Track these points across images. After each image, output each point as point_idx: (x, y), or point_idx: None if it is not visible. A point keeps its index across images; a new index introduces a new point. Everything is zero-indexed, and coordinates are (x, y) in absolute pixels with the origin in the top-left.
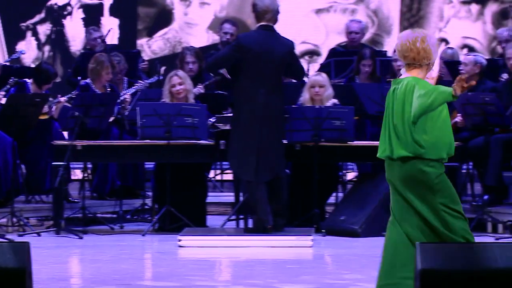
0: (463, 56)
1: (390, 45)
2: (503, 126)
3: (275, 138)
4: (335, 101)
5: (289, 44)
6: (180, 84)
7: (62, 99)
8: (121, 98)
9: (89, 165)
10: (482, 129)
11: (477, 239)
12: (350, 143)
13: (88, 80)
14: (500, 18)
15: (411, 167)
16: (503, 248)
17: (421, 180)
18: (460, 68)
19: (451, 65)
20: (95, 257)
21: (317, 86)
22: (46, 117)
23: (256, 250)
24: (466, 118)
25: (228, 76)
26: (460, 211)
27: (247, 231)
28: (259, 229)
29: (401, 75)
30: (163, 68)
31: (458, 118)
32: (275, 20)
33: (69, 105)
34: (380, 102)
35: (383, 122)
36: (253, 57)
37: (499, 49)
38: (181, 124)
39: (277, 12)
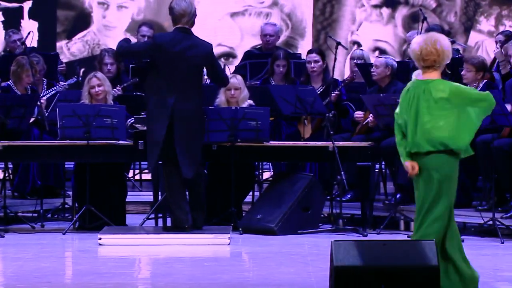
0: (373, 58)
1: (304, 48)
2: None
3: (191, 138)
4: (251, 102)
5: (207, 46)
6: (99, 85)
7: None
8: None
9: (10, 165)
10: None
11: (391, 237)
12: (266, 143)
13: (9, 82)
14: (410, 22)
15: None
16: (413, 245)
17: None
18: (372, 70)
19: (363, 67)
20: (16, 255)
21: (233, 88)
22: None
23: (174, 248)
24: (378, 119)
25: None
26: None
27: (166, 230)
28: (178, 228)
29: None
30: (82, 70)
31: (370, 119)
32: (192, 23)
33: None
34: (294, 103)
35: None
36: (167, 57)
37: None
38: (100, 125)
39: (194, 15)
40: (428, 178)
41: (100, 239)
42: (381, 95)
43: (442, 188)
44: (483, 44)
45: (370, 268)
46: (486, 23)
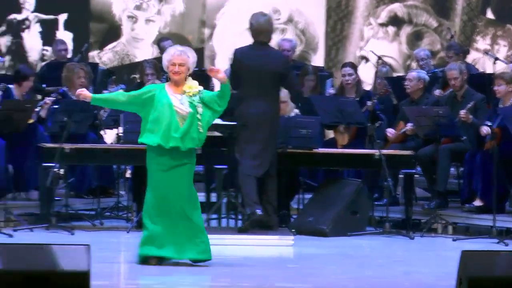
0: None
1: (315, 62)
2: (454, 136)
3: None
4: (297, 111)
5: (282, 59)
6: None
7: (48, 100)
8: None
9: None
10: (433, 139)
11: (434, 240)
12: (315, 150)
13: (64, 88)
14: (413, 39)
15: None
16: None
17: None
18: (406, 83)
19: (393, 81)
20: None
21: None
22: (31, 121)
23: (243, 248)
24: (419, 129)
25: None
26: None
27: (240, 231)
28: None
29: None
30: (113, 78)
31: (408, 127)
32: (269, 39)
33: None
34: (334, 113)
35: None
36: (247, 70)
37: (414, 66)
38: None
39: (271, 32)
40: None
41: None
42: (423, 107)
43: None
44: (480, 61)
45: (503, 279)
46: (482, 42)
